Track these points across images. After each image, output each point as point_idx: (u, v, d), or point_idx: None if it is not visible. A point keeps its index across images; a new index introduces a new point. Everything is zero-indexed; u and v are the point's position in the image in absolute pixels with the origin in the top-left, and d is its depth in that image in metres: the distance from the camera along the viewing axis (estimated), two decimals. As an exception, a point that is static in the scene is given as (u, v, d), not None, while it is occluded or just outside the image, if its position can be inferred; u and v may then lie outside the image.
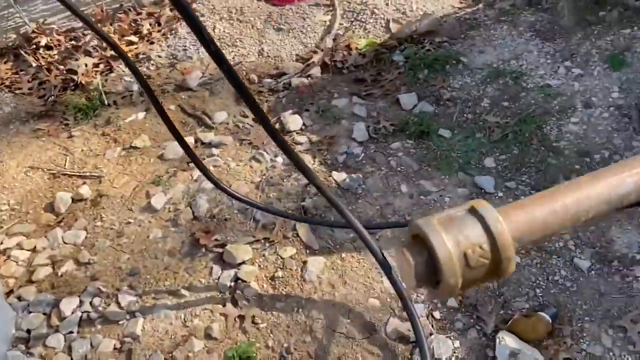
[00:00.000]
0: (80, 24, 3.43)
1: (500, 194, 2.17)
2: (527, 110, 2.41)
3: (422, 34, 2.94)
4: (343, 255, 2.04)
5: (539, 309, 1.82)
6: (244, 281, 1.97)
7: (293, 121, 2.63)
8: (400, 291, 1.79)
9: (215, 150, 2.54)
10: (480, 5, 3.07)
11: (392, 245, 2.06)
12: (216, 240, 2.10)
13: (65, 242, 2.24)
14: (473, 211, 0.42)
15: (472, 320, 1.85)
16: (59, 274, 2.10)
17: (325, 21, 3.24)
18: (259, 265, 2.03)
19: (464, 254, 0.41)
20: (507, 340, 1.75)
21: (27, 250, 2.23)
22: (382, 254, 1.85)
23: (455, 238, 0.41)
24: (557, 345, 1.75)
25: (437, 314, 1.87)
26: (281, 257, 2.05)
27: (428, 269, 0.43)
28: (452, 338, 1.81)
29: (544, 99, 2.44)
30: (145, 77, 3.09)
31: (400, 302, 1.87)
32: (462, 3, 3.15)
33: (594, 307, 1.82)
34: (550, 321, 1.77)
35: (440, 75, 2.67)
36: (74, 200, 2.42)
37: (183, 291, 1.96)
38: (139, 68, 3.14)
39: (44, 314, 1.95)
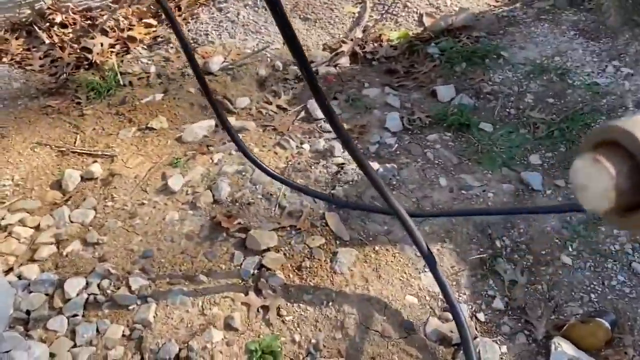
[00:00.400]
0: (98, 3, 3.29)
1: (549, 192, 2.00)
2: (574, 107, 2.26)
3: (458, 28, 2.81)
4: (376, 248, 1.87)
5: (596, 315, 1.64)
6: (268, 269, 1.79)
7: (321, 109, 2.47)
8: (445, 288, 1.61)
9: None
10: (518, 4, 2.94)
11: (431, 240, 1.88)
12: (239, 224, 1.92)
13: (72, 221, 2.05)
14: None
15: (520, 325, 1.67)
16: (64, 253, 1.91)
17: (354, 13, 3.11)
18: (285, 254, 1.85)
19: None
20: (563, 347, 1.56)
21: (31, 227, 2.04)
22: (428, 247, 1.68)
23: None
24: (618, 355, 1.57)
25: (481, 316, 1.69)
26: (309, 247, 1.87)
27: (632, 181, 0.30)
28: (498, 342, 1.63)
29: (592, 97, 2.29)
30: (164, 59, 2.95)
31: (443, 299, 1.70)
32: (498, 1, 3.03)
33: (656, 315, 1.64)
34: (610, 328, 1.60)
35: (479, 69, 2.52)
36: (83, 179, 2.24)
37: (201, 277, 1.77)
38: (158, 51, 3.00)
39: (46, 294, 1.76)
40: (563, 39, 2.61)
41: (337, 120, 1.09)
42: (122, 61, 2.94)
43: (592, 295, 1.71)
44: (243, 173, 2.15)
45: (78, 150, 2.40)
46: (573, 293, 1.73)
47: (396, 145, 2.26)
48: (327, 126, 2.39)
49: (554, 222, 1.90)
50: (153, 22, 3.20)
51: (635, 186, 0.33)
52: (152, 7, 3.26)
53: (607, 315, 1.63)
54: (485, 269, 1.79)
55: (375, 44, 2.86)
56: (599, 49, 2.51)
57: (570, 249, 1.83)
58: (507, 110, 2.33)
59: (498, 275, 1.78)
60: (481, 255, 1.81)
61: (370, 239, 1.90)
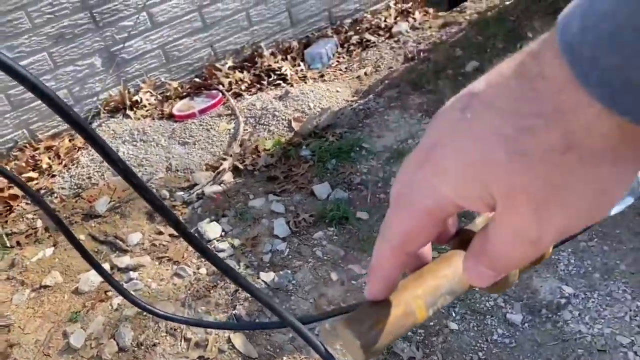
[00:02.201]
0: (-28, 168, 3.27)
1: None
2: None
3: (323, 128, 3.10)
4: (284, 358, 1.96)
5: (486, 372, 1.83)
6: (183, 408, 1.82)
7: (211, 229, 2.60)
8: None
9: (133, 274, 2.43)
10: (371, 96, 3.31)
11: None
12: (147, 369, 1.95)
13: (-29, 408, 1.97)
14: None
15: (425, 398, 1.81)
16: None
17: (229, 129, 3.33)
18: (198, 387, 1.89)
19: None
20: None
21: None
22: (325, 347, 1.81)
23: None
24: (511, 405, 1.75)
25: (390, 399, 1.82)
26: (220, 374, 1.93)
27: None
28: (410, 421, 1.76)
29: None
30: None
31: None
32: (354, 97, 3.38)
33: (535, 358, 1.86)
34: (500, 381, 1.78)
35: (347, 163, 2.79)
36: (-21, 358, 2.17)
37: None
38: (42, 203, 3.02)
39: None
40: (413, 121, 2.97)
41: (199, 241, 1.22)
42: (6, 222, 2.92)
43: (480, 354, 1.91)
44: (144, 313, 2.19)
45: (-30, 328, 2.32)
46: (464, 356, 1.91)
47: (287, 250, 2.42)
48: (220, 245, 2.51)
49: (435, 293, 2.10)
50: (34, 174, 3.22)
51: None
52: (30, 160, 3.29)
53: (495, 369, 1.83)
54: (386, 353, 1.93)
55: (254, 155, 3.08)
56: (443, 124, 2.88)
57: (454, 315, 2.03)
58: (377, 196, 2.58)
59: (397, 355, 1.93)
60: (379, 341, 1.96)
61: (278, 350, 2.00)
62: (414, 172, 0.31)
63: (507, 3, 3.83)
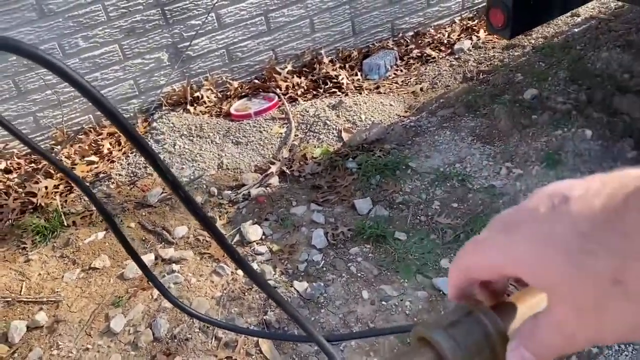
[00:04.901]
0: (41, 146, 3.50)
1: (458, 295, 2.22)
2: (475, 210, 2.54)
3: (372, 142, 3.12)
4: (308, 368, 2.02)
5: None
6: (206, 405, 1.91)
7: (253, 231, 2.69)
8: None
9: (175, 267, 2.55)
10: (424, 113, 3.31)
11: (357, 355, 2.05)
12: (177, 362, 2.06)
13: (18, 375, 2.14)
14: (471, 314, 0.43)
15: None
16: (10, 411, 2.00)
17: (281, 133, 3.41)
18: (222, 386, 1.98)
19: (470, 356, 0.42)
20: None
21: (-24, 387, 2.12)
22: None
23: (460, 339, 0.42)
24: None
25: None
26: (245, 376, 2.01)
27: None
28: None
29: (490, 199, 2.59)
30: (105, 195, 3.14)
31: (367, 415, 1.85)
32: (407, 112, 3.39)
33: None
34: None
35: (391, 180, 2.81)
36: (29, 329, 2.35)
37: (143, 421, 1.88)
38: (100, 187, 3.20)
39: None
40: (463, 145, 2.94)
41: (234, 250, 1.29)
42: (65, 201, 3.12)
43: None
44: (181, 307, 2.30)
45: (24, 299, 2.51)
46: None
47: (322, 261, 2.48)
48: (260, 248, 2.60)
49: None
50: (95, 158, 3.41)
51: None
52: (92, 144, 3.49)
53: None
54: None
55: (301, 162, 3.14)
56: (493, 151, 2.85)
57: None
58: (418, 217, 2.59)
59: None
60: (401, 365, 1.99)
61: (302, 360, 2.06)
62: (502, 228, 0.37)
63: (576, 30, 3.71)
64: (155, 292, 2.42)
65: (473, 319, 0.43)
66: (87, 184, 3.26)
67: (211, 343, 2.14)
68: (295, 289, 2.34)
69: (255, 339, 2.13)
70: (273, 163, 3.17)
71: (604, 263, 0.30)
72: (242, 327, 2.13)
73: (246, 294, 2.35)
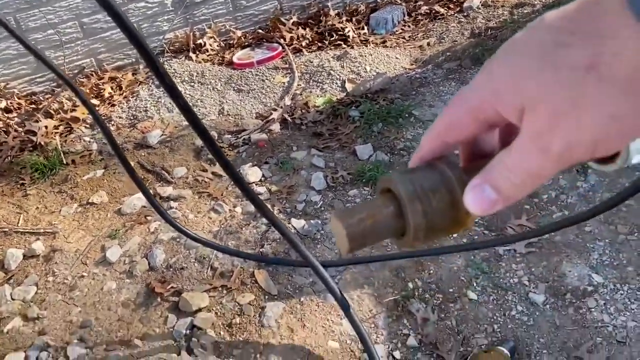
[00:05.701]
0: (41, 88, 3.48)
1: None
2: (476, 156, 2.52)
3: (376, 92, 3.09)
4: (302, 299, 2.02)
5: (498, 344, 1.82)
6: (200, 329, 1.92)
7: (252, 173, 2.67)
8: (360, 330, 1.77)
9: (173, 204, 2.54)
10: (430, 66, 3.26)
11: (351, 287, 2.05)
12: (172, 288, 2.05)
13: (13, 299, 2.15)
14: (433, 164, 0.43)
15: (432, 359, 1.83)
16: (5, 330, 2.00)
17: (284, 82, 3.37)
18: (216, 313, 1.98)
19: (426, 195, 0.41)
20: (468, 376, 1.72)
21: (-29, 308, 2.13)
22: (341, 293, 1.84)
23: (417, 182, 0.42)
24: (517, 379, 1.74)
25: (397, 354, 1.84)
26: (239, 304, 2.01)
27: (396, 217, 0.43)
28: (413, 378, 1.78)
29: (492, 146, 2.56)
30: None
31: (360, 343, 1.85)
32: (412, 65, 3.34)
33: (551, 340, 1.83)
34: (509, 355, 1.77)
35: (393, 128, 2.78)
36: (25, 257, 2.35)
37: (136, 341, 1.89)
38: (99, 129, 3.18)
39: (-15, 371, 1.84)
40: (467, 95, 2.91)
41: (243, 181, 1.27)
42: (65, 141, 3.10)
43: (495, 326, 1.89)
44: (178, 239, 2.30)
45: (21, 230, 2.51)
46: (479, 325, 1.90)
47: (321, 202, 2.46)
48: (259, 189, 2.58)
49: (460, 262, 2.10)
50: (95, 101, 3.38)
51: (398, 217, 0.44)
52: (94, 88, 3.46)
53: (507, 343, 1.81)
54: (400, 310, 1.96)
55: (303, 110, 3.11)
56: (498, 102, 2.81)
57: (475, 285, 2.02)
58: (419, 163, 2.57)
59: (412, 314, 1.95)
60: (395, 297, 1.99)
61: (297, 291, 2.06)
62: (480, 72, 0.35)
63: (588, -12, 3.64)
64: (152, 226, 2.41)
65: (433, 167, 0.43)
66: (87, 125, 3.24)
67: (207, 272, 2.13)
68: (292, 225, 2.33)
69: (250, 269, 2.12)
70: (275, 110, 3.14)
71: (578, 52, 0.28)
72: (245, 252, 2.13)
73: (243, 229, 2.34)
